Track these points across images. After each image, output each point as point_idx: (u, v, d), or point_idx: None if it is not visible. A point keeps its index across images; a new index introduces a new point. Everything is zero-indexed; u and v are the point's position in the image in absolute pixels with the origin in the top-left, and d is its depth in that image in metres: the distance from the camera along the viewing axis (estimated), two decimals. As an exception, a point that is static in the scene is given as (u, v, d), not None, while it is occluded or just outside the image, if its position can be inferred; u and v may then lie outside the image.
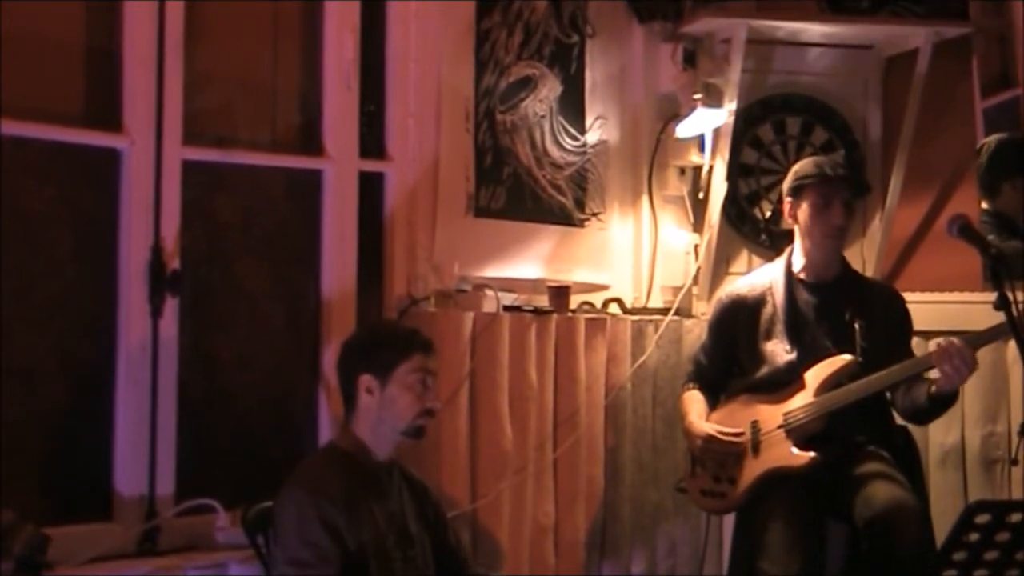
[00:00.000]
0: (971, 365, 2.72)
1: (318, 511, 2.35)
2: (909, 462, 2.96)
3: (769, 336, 3.02)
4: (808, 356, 2.94)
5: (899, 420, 3.03)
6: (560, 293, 3.29)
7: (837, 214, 2.99)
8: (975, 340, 2.73)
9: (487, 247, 3.27)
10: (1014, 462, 2.62)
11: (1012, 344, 2.80)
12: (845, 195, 3.02)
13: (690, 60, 3.62)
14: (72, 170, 2.68)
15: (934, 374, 2.80)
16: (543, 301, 3.28)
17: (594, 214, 3.54)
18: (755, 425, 2.96)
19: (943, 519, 2.53)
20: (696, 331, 3.43)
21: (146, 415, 2.68)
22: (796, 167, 3.10)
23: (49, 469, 2.64)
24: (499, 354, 3.09)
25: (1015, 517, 2.18)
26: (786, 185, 3.08)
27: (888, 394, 2.95)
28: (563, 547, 3.25)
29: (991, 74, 4.06)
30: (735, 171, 3.65)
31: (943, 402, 2.83)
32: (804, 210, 3.02)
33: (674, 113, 3.62)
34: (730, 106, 3.52)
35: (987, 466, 3.51)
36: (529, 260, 3.36)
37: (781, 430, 2.91)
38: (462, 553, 2.68)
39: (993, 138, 3.84)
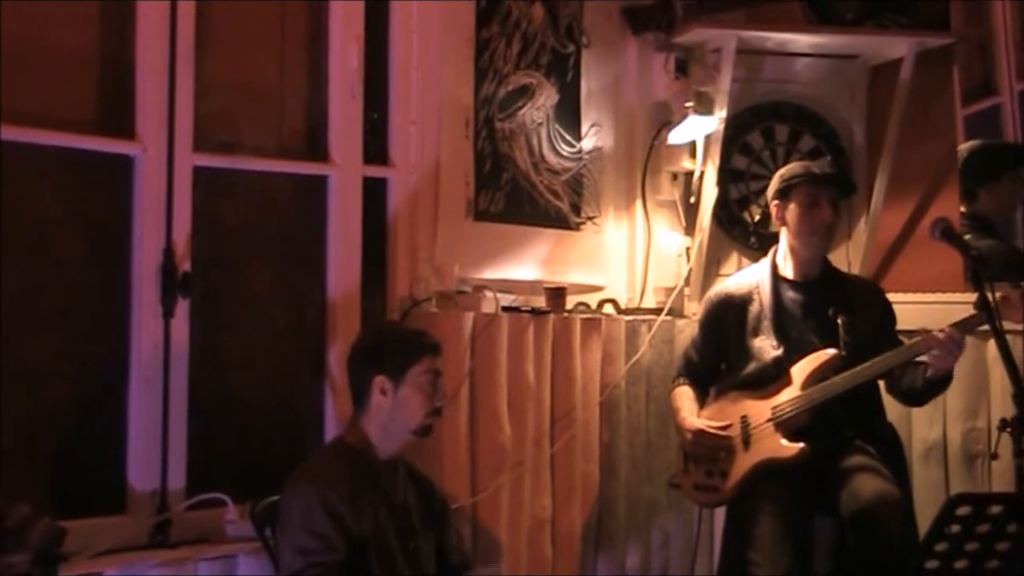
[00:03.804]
0: (960, 347, 2.75)
1: (324, 502, 2.36)
2: (894, 457, 2.97)
3: (756, 333, 3.03)
4: (794, 352, 2.96)
5: (886, 416, 3.05)
6: (557, 294, 3.30)
7: (825, 211, 3.01)
8: (962, 325, 2.76)
9: (486, 250, 3.28)
10: (994, 456, 2.62)
11: (992, 343, 2.83)
12: (832, 194, 3.04)
13: (682, 69, 3.64)
14: (86, 176, 2.69)
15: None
16: (540, 302, 3.29)
17: (589, 218, 3.55)
18: (744, 420, 2.97)
19: (926, 512, 2.53)
20: (688, 331, 3.43)
21: (158, 412, 2.69)
22: (782, 171, 3.12)
23: (65, 464, 2.65)
24: (498, 353, 3.10)
25: (995, 509, 2.19)
26: (773, 188, 3.10)
27: (882, 383, 2.97)
28: (560, 540, 3.26)
29: (972, 83, 4.08)
30: (725, 176, 3.66)
31: (938, 384, 2.87)
32: (792, 210, 3.04)
33: (667, 120, 3.63)
34: (721, 114, 3.53)
35: (968, 460, 3.53)
36: (527, 262, 3.38)
37: (770, 423, 2.93)
38: (463, 551, 2.69)
39: (965, 146, 3.86)
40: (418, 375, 2.50)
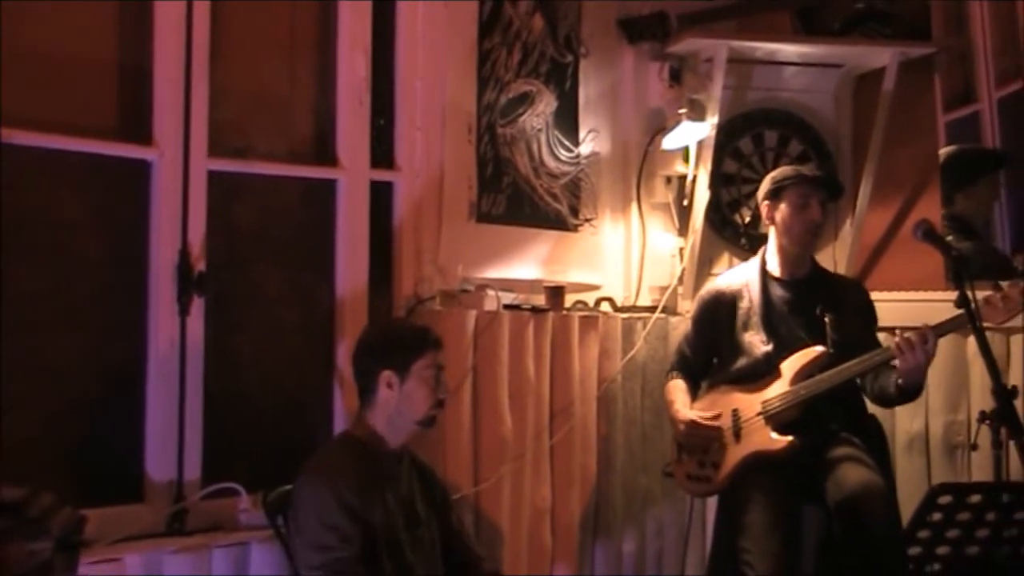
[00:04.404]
0: (928, 353, 2.74)
1: (336, 496, 2.37)
2: (878, 448, 2.98)
3: (747, 329, 3.05)
4: (783, 348, 2.97)
5: (870, 409, 3.06)
6: (556, 293, 3.31)
7: (815, 211, 3.03)
8: (938, 328, 2.77)
9: (488, 250, 3.29)
10: (974, 447, 2.64)
11: (972, 340, 2.84)
12: (822, 195, 3.06)
13: (676, 77, 3.65)
14: (106, 180, 2.70)
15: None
16: (540, 300, 3.30)
17: (587, 220, 3.56)
18: (735, 413, 2.99)
19: (909, 501, 2.55)
20: (682, 328, 3.44)
21: (175, 406, 2.70)
22: (773, 173, 3.13)
23: (86, 455, 2.66)
24: (499, 349, 3.11)
25: (974, 498, 2.21)
26: (764, 190, 3.11)
27: (859, 380, 2.98)
28: (559, 528, 3.27)
29: (953, 91, 4.09)
30: (717, 180, 3.68)
31: (908, 393, 2.87)
32: (783, 210, 3.05)
33: (661, 126, 3.64)
34: (712, 120, 3.55)
35: (949, 451, 3.54)
36: (527, 262, 3.39)
37: (760, 417, 2.94)
38: (464, 535, 2.71)
39: (944, 151, 3.88)
40: (422, 369, 2.51)
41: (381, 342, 2.59)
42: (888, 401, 2.94)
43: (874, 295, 3.17)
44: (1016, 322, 2.86)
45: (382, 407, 2.52)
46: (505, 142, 3.35)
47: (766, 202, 3.09)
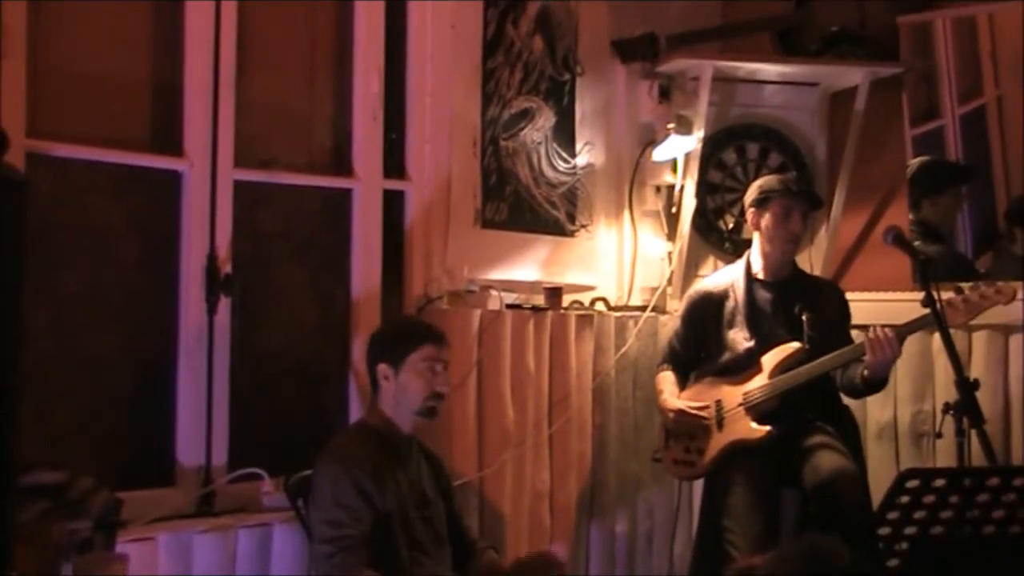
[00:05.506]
0: (895, 352, 2.76)
1: (350, 477, 2.38)
2: (851, 436, 2.99)
3: (731, 326, 3.05)
4: (765, 344, 2.98)
5: (843, 400, 3.07)
6: (554, 293, 3.32)
7: (797, 223, 3.04)
8: (900, 330, 2.78)
9: (492, 254, 3.29)
10: (938, 435, 2.65)
11: (937, 336, 2.85)
12: (803, 207, 3.06)
13: (665, 94, 3.65)
14: (141, 189, 2.71)
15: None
16: (540, 300, 3.30)
17: (583, 226, 3.57)
18: (719, 403, 2.99)
19: (879, 485, 2.56)
20: (670, 325, 3.44)
21: (203, 397, 2.71)
22: (760, 182, 3.12)
23: (122, 443, 2.67)
24: (502, 345, 3.12)
25: (939, 483, 2.21)
26: (750, 197, 3.10)
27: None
28: (557, 510, 3.28)
29: (919, 107, 4.09)
30: (703, 189, 3.69)
31: (874, 385, 2.88)
32: (767, 219, 3.05)
33: (651, 140, 3.65)
34: (699, 134, 3.55)
35: (916, 439, 3.53)
36: (528, 265, 3.39)
37: (741, 408, 2.95)
38: (464, 521, 2.72)
39: (914, 161, 3.88)
40: (416, 362, 2.50)
41: (379, 338, 2.60)
42: (855, 391, 2.95)
43: (846, 294, 3.18)
44: (977, 320, 2.87)
45: (385, 397, 2.53)
46: (507, 154, 3.35)
47: (752, 209, 3.09)
